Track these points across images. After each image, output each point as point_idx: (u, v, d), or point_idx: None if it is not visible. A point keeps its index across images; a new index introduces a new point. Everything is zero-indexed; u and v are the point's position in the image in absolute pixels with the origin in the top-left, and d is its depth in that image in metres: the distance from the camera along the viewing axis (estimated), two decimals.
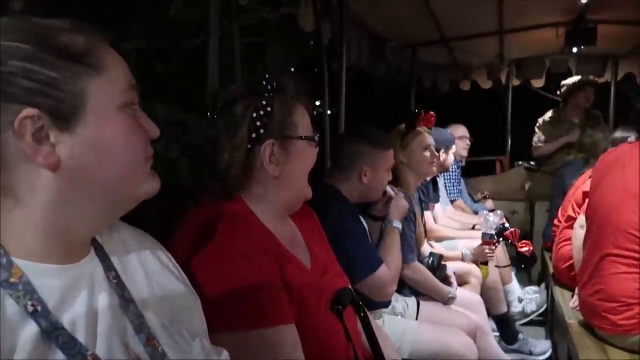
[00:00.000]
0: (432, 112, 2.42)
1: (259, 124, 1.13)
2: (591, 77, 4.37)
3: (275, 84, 1.16)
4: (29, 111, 0.61)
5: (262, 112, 1.13)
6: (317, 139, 1.23)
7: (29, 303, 0.60)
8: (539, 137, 4.48)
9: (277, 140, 1.15)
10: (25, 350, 0.59)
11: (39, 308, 0.61)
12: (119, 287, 0.72)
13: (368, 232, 1.95)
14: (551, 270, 3.01)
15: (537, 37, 4.25)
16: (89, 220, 0.69)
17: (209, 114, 1.16)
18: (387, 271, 1.79)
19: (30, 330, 0.60)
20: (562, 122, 4.37)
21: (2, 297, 0.60)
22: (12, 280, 0.61)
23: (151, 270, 0.80)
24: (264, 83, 1.15)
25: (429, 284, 2.26)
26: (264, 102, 1.14)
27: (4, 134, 0.61)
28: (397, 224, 1.99)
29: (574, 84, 4.34)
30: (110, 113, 0.68)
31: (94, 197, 0.68)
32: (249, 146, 1.13)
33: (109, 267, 0.73)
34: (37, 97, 0.62)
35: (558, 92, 4.54)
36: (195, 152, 1.18)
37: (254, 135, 1.13)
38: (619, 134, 2.55)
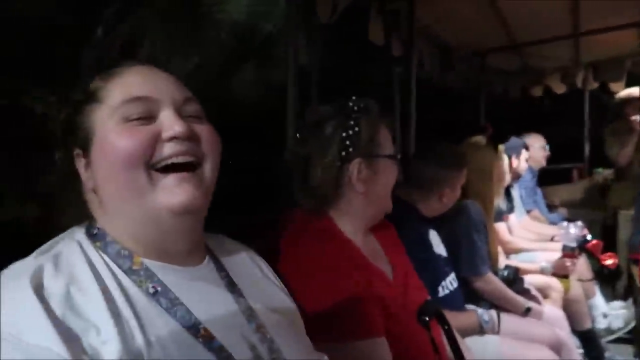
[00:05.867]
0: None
1: (347, 143, 1.18)
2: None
3: (361, 104, 1.21)
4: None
5: (350, 132, 1.18)
6: (399, 157, 1.28)
7: (150, 285, 0.70)
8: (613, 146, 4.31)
9: (364, 158, 1.19)
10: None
11: (159, 289, 0.70)
12: (231, 285, 0.80)
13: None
14: (639, 284, 2.84)
15: (616, 37, 4.06)
16: (132, 230, 0.74)
17: (298, 134, 1.24)
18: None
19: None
20: (626, 133, 4.19)
21: (126, 282, 0.69)
22: (135, 267, 0.71)
23: (255, 277, 0.88)
24: (351, 104, 1.20)
25: (504, 295, 2.20)
26: (352, 122, 1.19)
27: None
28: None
29: (623, 99, 4.20)
30: (108, 132, 0.73)
31: (116, 208, 0.74)
32: (339, 164, 1.18)
33: (221, 269, 0.82)
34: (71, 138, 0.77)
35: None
36: (287, 169, 1.25)
37: (343, 154, 1.18)
38: None
